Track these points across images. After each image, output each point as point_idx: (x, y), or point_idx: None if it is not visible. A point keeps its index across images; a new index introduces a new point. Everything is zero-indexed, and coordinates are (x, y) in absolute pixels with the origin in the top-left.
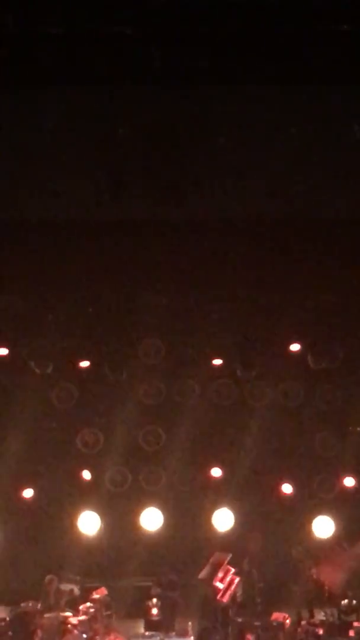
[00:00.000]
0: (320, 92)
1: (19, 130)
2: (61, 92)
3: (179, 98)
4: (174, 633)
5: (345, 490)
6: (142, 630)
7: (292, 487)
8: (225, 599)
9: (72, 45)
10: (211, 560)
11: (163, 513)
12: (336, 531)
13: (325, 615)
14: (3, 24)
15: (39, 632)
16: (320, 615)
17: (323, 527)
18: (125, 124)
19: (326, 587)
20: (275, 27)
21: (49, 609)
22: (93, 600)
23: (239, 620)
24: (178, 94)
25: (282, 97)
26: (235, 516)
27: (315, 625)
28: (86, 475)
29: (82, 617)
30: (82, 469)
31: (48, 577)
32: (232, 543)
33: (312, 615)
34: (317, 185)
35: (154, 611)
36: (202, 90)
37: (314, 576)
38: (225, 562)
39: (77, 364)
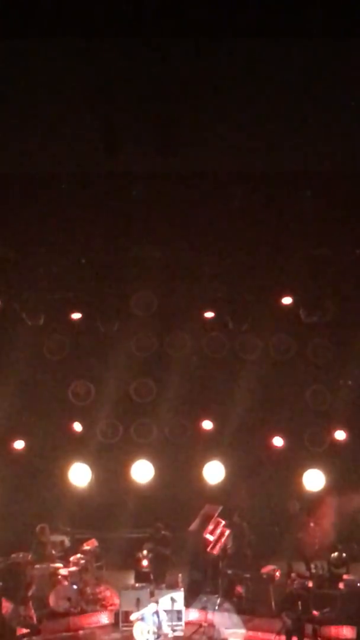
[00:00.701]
0: (317, 44)
1: (15, 82)
2: (56, 45)
3: (173, 50)
4: (164, 585)
5: (335, 443)
6: (132, 581)
7: (283, 440)
8: (216, 551)
9: None
10: (202, 512)
11: (154, 465)
12: (327, 484)
13: (315, 567)
14: None
15: (30, 583)
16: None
17: (314, 480)
18: (119, 76)
19: (317, 540)
20: None
21: (40, 559)
22: (84, 552)
23: (229, 572)
24: (172, 46)
25: (278, 50)
26: (225, 469)
27: (305, 578)
28: (77, 427)
29: (73, 568)
30: (74, 421)
31: (39, 526)
32: (222, 495)
33: (308, 568)
34: (310, 138)
35: (145, 563)
36: (197, 42)
37: (309, 529)
38: (216, 514)
39: (69, 315)
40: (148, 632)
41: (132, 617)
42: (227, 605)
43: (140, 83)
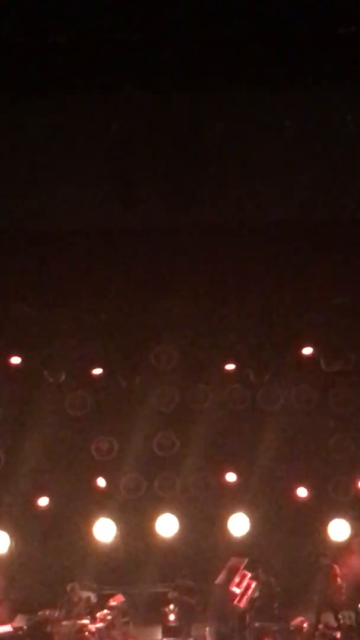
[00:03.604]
0: (329, 92)
1: (31, 139)
2: (72, 100)
3: (188, 104)
4: (191, 639)
5: None
6: (159, 636)
7: (307, 490)
8: (242, 603)
9: (81, 53)
10: (228, 565)
11: (178, 519)
12: (352, 534)
13: (343, 618)
14: (11, 32)
15: None
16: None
17: (339, 530)
18: (135, 131)
19: (344, 590)
20: (283, 30)
21: (67, 616)
22: (110, 607)
23: (257, 624)
24: (188, 100)
25: (293, 100)
26: (250, 521)
27: (333, 629)
28: (101, 482)
29: (100, 625)
30: (97, 477)
31: (70, 585)
32: (248, 547)
33: (336, 618)
34: (331, 187)
35: (171, 617)
36: (213, 96)
37: (336, 579)
38: (242, 567)
39: (90, 371)
40: None
41: None
42: None
43: (156, 138)
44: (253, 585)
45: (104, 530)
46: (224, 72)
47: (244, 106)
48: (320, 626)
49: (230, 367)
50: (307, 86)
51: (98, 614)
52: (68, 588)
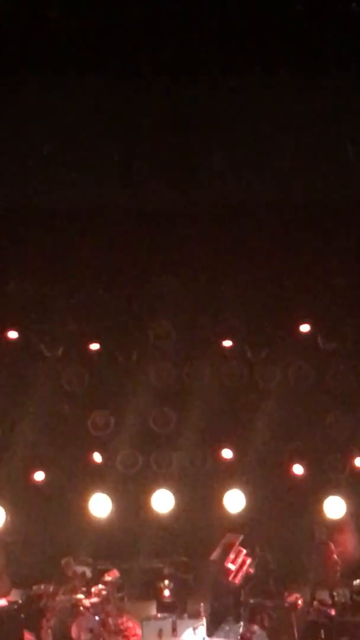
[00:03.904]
0: (334, 77)
1: (30, 119)
2: (74, 81)
3: (190, 86)
4: (186, 614)
5: (356, 470)
6: (154, 611)
7: (303, 467)
8: (237, 580)
9: (85, 36)
10: (223, 541)
11: (174, 495)
12: (348, 511)
13: (337, 595)
14: (12, 13)
15: (51, 615)
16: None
17: (335, 507)
18: (136, 111)
19: (339, 568)
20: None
21: (62, 591)
22: (105, 582)
23: (251, 601)
24: (189, 82)
25: (293, 84)
26: (246, 497)
27: (328, 606)
28: (97, 457)
29: (94, 599)
30: (93, 452)
31: (64, 559)
32: (243, 524)
33: (331, 596)
34: (329, 168)
35: (166, 593)
36: (213, 78)
37: (331, 557)
38: (237, 543)
39: (88, 346)
40: None
41: None
42: (249, 634)
43: (158, 118)
44: (248, 561)
45: (100, 506)
46: (221, 55)
47: (247, 89)
48: (315, 603)
49: (227, 343)
50: (308, 70)
51: (93, 589)
52: (62, 562)
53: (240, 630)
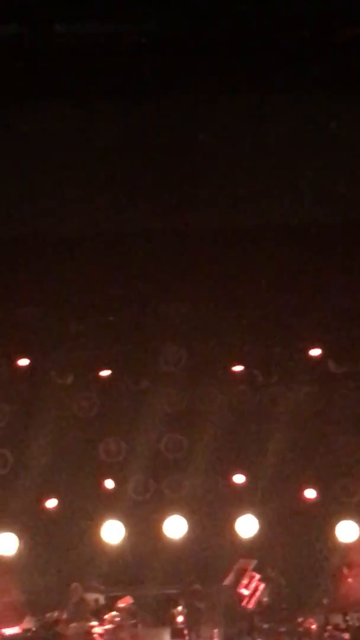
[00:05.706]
0: (331, 99)
1: (32, 146)
2: (71, 107)
3: (188, 108)
4: None
5: None
6: (167, 638)
7: (315, 491)
8: (251, 605)
9: (80, 61)
10: (236, 566)
11: (187, 520)
12: None
13: (351, 619)
14: (15, 36)
15: None
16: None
17: (347, 531)
18: (135, 136)
19: (352, 591)
20: (283, 35)
21: (75, 618)
22: (118, 609)
23: (265, 626)
24: (188, 105)
25: (294, 105)
26: (258, 522)
27: (341, 630)
28: (109, 484)
29: (108, 626)
30: (105, 478)
31: (72, 585)
32: (256, 549)
33: (344, 619)
34: (333, 191)
35: (179, 619)
36: (212, 101)
37: (344, 580)
38: (250, 568)
39: (98, 373)
40: None
41: None
42: None
43: (156, 143)
44: (261, 586)
45: (113, 532)
46: (216, 77)
47: (241, 111)
48: (329, 627)
49: (237, 368)
50: (305, 92)
51: (106, 616)
52: (70, 588)
53: None
